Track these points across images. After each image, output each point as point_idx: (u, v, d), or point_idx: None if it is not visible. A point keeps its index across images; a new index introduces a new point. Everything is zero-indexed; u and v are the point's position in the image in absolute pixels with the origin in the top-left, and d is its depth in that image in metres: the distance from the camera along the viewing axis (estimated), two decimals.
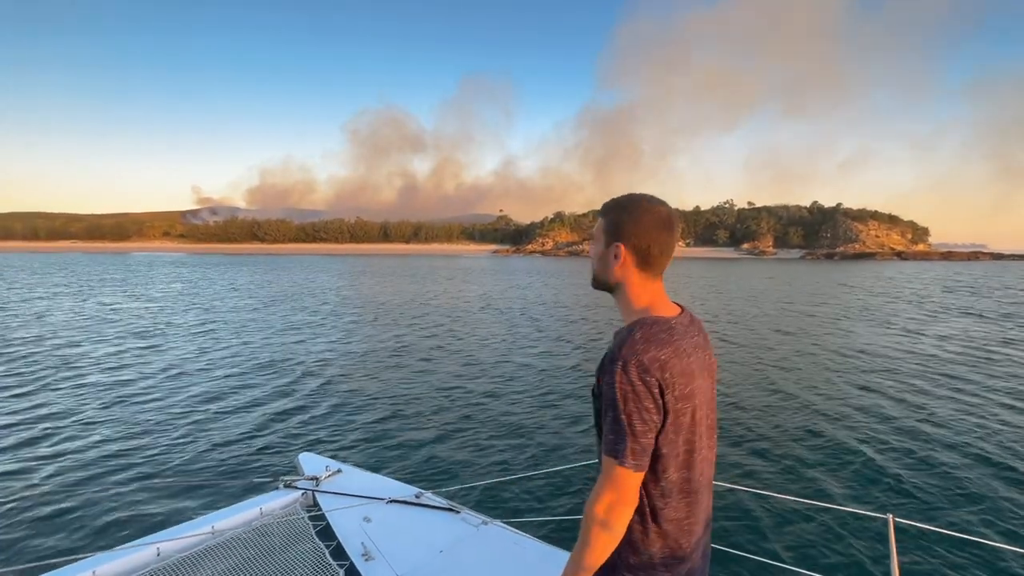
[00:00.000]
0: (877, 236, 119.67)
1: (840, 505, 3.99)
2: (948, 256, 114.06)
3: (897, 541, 1.52)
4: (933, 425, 6.06)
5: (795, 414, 6.38)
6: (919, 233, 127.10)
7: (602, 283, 1.17)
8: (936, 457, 5.09)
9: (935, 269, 57.37)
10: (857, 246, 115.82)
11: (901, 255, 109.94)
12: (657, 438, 1.02)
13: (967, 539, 1.68)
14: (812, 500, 3.45)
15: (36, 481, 4.54)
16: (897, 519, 1.70)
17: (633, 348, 1.01)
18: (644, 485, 1.05)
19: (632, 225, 1.10)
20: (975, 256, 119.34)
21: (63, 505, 4.15)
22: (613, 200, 1.14)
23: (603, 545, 1.04)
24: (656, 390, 0.99)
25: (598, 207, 1.12)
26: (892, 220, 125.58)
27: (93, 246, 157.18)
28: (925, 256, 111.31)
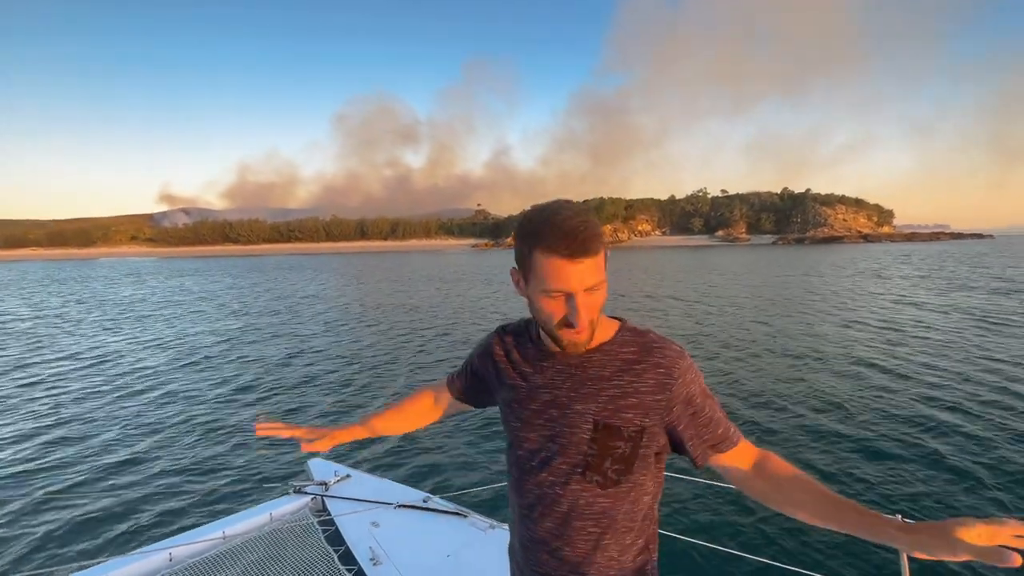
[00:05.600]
0: (844, 220, 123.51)
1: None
2: (912, 237, 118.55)
3: None
4: (944, 413, 5.77)
5: (794, 405, 6.26)
6: (884, 216, 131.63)
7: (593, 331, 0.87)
8: (948, 451, 4.83)
9: (910, 250, 58.57)
10: (826, 230, 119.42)
11: (867, 237, 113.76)
12: None
13: None
14: None
15: (48, 487, 4.59)
16: (906, 520, 1.69)
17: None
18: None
19: None
20: (937, 236, 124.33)
21: (76, 511, 4.16)
22: (595, 219, 0.82)
23: None
24: None
25: (590, 197, 0.90)
26: (858, 204, 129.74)
27: (56, 253, 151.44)
28: (890, 238, 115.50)
